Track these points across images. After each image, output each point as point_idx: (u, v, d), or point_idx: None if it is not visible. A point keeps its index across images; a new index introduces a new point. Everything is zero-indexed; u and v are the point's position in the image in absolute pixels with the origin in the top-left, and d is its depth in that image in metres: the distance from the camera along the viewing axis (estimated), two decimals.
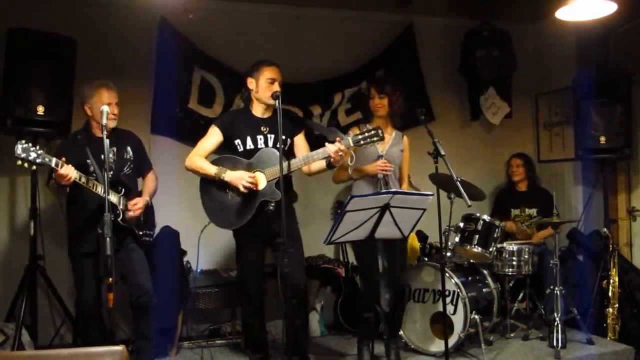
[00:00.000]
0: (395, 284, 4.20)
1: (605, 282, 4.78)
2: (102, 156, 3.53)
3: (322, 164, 3.73)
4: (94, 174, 3.67)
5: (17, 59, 4.03)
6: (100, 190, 3.57)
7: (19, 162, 3.25)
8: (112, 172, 3.74)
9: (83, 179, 3.50)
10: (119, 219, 3.70)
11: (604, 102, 4.98)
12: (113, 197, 3.69)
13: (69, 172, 3.40)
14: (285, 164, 3.57)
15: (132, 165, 3.93)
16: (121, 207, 3.74)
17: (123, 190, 3.78)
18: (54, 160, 3.35)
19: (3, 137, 4.18)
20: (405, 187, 4.33)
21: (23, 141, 3.28)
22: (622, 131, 4.95)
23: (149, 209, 4.01)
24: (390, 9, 5.48)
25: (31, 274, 4.20)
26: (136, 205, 3.80)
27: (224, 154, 3.84)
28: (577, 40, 5.49)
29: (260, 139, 3.79)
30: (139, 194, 3.94)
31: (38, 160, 3.29)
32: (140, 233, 3.91)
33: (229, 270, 4.88)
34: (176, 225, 4.65)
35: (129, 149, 3.93)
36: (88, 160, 3.68)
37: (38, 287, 4.31)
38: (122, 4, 4.78)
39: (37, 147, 3.32)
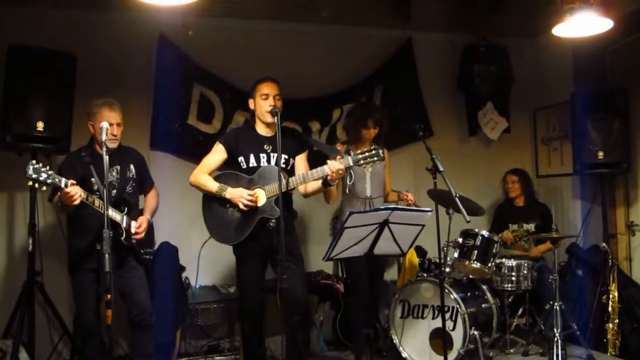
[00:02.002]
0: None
1: (604, 297, 4.76)
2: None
3: (318, 184, 3.74)
4: (97, 192, 3.69)
5: (17, 75, 4.05)
6: (104, 210, 3.57)
7: (30, 183, 3.27)
8: (115, 190, 3.79)
9: (90, 199, 3.52)
10: (121, 238, 3.72)
11: (601, 117, 4.99)
12: (116, 216, 3.71)
13: (78, 192, 3.41)
14: (284, 182, 3.57)
15: (134, 184, 3.95)
16: (124, 225, 3.75)
17: (126, 208, 3.80)
18: (63, 180, 3.36)
19: (2, 153, 4.18)
20: (390, 196, 4.49)
21: (34, 161, 3.30)
22: (620, 146, 4.96)
23: (149, 227, 4.01)
24: (388, 24, 5.52)
25: (29, 290, 4.18)
26: (141, 227, 3.83)
27: (228, 169, 3.85)
28: (574, 56, 5.52)
29: (263, 157, 3.80)
30: (141, 212, 3.96)
31: (49, 181, 3.30)
32: (142, 251, 3.93)
33: (227, 286, 4.88)
34: (175, 241, 4.64)
35: (132, 167, 3.95)
36: (92, 179, 3.70)
37: (36, 303, 4.29)
38: (122, 20, 4.82)
39: (48, 167, 3.33)
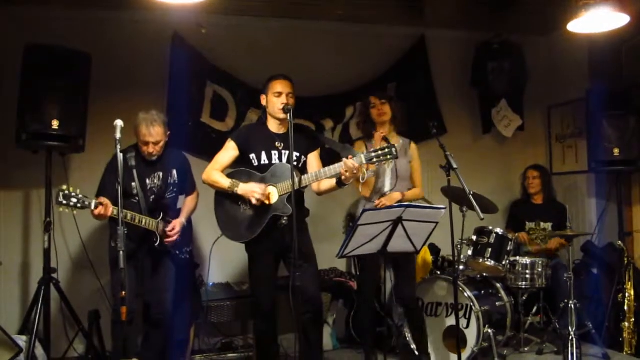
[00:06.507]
0: (404, 299, 4.21)
1: (620, 295, 4.72)
2: (147, 180, 3.81)
3: (332, 182, 3.73)
4: (136, 197, 3.79)
5: (33, 74, 4.08)
6: (137, 221, 3.70)
7: (60, 209, 3.47)
8: (154, 197, 3.90)
9: (124, 215, 3.56)
10: (155, 245, 3.84)
11: (617, 114, 4.93)
12: (151, 223, 3.80)
13: (103, 212, 3.54)
14: (296, 180, 3.57)
15: (175, 189, 4.02)
16: (159, 232, 3.85)
17: (162, 214, 3.89)
18: (93, 202, 3.53)
19: (18, 151, 4.22)
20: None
21: (64, 187, 3.47)
22: (635, 143, 4.90)
23: (186, 228, 4.06)
24: (402, 22, 5.51)
25: (45, 287, 4.22)
26: (174, 231, 3.90)
27: (240, 167, 3.86)
28: (590, 52, 5.47)
29: (274, 154, 3.79)
30: (178, 213, 4.04)
31: (79, 205, 3.48)
32: (177, 252, 4.00)
33: (240, 284, 4.89)
34: None
35: (174, 172, 4.01)
36: (133, 183, 3.77)
37: (52, 300, 4.33)
38: (136, 19, 4.86)
39: (78, 192, 3.49)
